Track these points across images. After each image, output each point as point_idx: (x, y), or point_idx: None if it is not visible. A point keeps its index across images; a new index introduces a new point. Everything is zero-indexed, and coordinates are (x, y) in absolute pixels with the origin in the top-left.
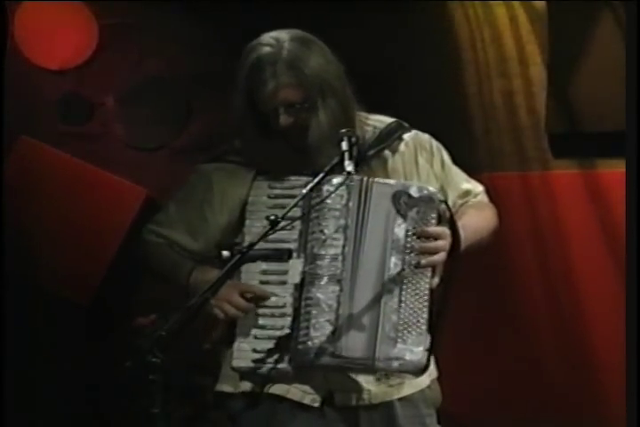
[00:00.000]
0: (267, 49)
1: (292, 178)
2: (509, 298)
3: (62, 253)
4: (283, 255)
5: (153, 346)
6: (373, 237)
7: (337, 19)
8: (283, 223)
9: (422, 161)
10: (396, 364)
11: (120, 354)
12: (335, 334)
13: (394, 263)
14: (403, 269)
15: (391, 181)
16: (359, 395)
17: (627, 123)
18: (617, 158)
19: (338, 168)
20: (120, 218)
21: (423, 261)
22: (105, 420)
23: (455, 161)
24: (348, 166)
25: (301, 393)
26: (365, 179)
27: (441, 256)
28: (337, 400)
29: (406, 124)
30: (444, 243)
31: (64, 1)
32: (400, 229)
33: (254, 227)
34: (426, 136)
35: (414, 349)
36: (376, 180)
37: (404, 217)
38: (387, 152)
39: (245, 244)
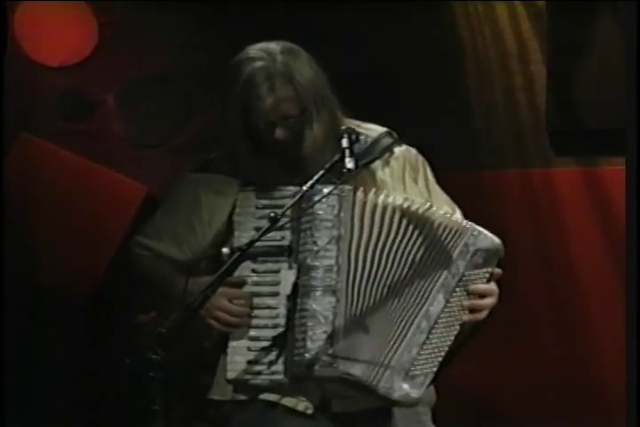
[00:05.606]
0: (259, 63)
1: (280, 188)
2: (509, 296)
3: (62, 251)
4: (283, 252)
5: (153, 343)
6: (396, 255)
7: (337, 19)
8: (272, 234)
9: (409, 179)
10: (396, 395)
11: (120, 351)
12: (333, 346)
13: (437, 301)
14: (443, 311)
15: (461, 221)
16: (356, 401)
17: (627, 120)
18: (617, 156)
19: (338, 166)
20: (120, 215)
21: (466, 317)
22: (105, 417)
23: (456, 159)
24: (349, 163)
25: (295, 400)
26: (367, 192)
27: (483, 314)
28: (334, 406)
29: (396, 136)
30: (491, 302)
31: None
32: (454, 271)
33: (243, 238)
34: (413, 151)
35: (419, 386)
36: (440, 213)
37: (465, 261)
38: (377, 163)
39: (234, 255)
